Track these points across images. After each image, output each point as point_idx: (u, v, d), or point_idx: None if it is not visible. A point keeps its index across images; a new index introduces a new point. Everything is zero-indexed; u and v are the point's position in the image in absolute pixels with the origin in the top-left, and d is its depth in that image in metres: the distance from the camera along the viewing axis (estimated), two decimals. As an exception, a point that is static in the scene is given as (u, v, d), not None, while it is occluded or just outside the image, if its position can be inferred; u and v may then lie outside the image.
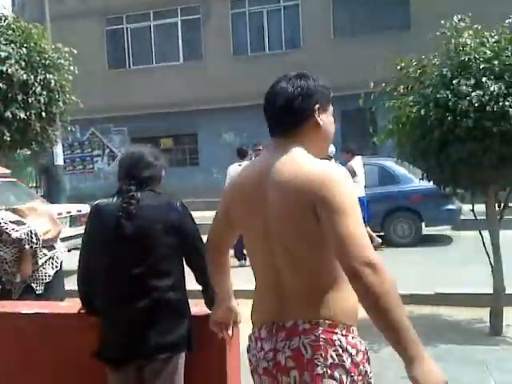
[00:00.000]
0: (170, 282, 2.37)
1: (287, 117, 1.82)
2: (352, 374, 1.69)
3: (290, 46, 17.49)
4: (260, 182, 1.78)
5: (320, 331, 1.69)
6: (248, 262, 1.97)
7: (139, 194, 2.37)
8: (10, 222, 3.58)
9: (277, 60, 17.02)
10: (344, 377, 1.68)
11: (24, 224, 3.61)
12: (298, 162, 1.74)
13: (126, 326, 2.35)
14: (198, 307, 2.59)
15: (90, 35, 18.18)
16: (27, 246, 3.53)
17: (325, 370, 1.67)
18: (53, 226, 3.87)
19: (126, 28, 18.96)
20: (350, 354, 1.70)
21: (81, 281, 2.53)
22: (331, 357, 1.68)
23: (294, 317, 1.74)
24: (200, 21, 18.12)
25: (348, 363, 1.69)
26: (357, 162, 9.49)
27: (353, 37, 16.57)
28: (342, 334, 1.71)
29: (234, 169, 8.86)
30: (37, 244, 3.58)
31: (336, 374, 1.68)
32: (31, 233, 3.56)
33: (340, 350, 1.68)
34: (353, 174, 9.33)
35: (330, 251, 1.65)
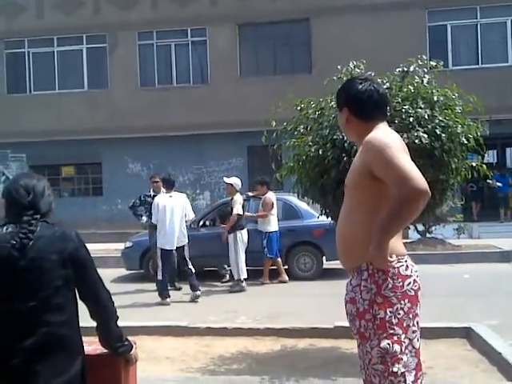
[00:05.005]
0: (63, 316, 2.28)
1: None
2: None
3: (198, 81, 17.73)
4: None
5: None
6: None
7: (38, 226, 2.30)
8: None
9: (184, 93, 17.20)
10: None
11: None
12: None
13: (14, 366, 2.21)
14: (92, 346, 2.51)
15: (-12, 57, 17.43)
16: None
17: None
18: None
19: (28, 52, 18.34)
20: None
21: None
22: None
23: None
24: (106, 50, 17.94)
25: None
26: (272, 195, 9.67)
27: (258, 76, 17.12)
28: None
29: (163, 198, 8.53)
30: None
31: None
32: None
33: None
34: (271, 206, 9.50)
35: None
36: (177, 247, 8.41)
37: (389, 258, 2.34)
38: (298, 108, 5.43)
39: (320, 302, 7.58)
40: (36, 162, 17.52)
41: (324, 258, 9.98)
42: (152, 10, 17.46)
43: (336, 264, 10.52)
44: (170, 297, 8.31)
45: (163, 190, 9.11)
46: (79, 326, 2.38)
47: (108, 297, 2.42)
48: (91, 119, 17.13)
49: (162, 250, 8.36)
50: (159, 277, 8.33)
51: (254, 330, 6.37)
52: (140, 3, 17.49)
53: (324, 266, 10.09)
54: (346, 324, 5.04)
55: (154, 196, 9.11)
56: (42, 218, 2.35)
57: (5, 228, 2.30)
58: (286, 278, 9.60)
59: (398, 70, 5.40)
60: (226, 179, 9.55)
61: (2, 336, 2.23)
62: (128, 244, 10.50)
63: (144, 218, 9.34)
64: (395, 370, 2.33)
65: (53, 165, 17.97)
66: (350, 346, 5.44)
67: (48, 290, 2.25)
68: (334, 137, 4.81)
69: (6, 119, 17.33)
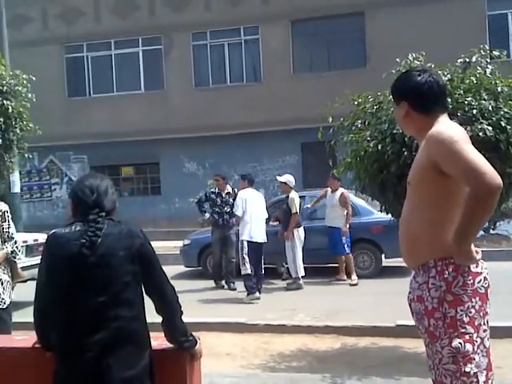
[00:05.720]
0: (133, 311, 2.34)
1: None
2: None
3: (251, 79, 17.79)
4: None
5: None
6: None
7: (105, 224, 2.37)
8: None
9: (238, 92, 17.30)
10: None
11: None
12: None
13: (86, 360, 2.27)
14: (157, 341, 2.55)
15: (49, 62, 18.08)
16: None
17: None
18: None
19: (87, 56, 18.92)
20: None
21: (37, 313, 2.45)
22: None
23: None
24: (162, 51, 18.27)
25: None
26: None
27: (311, 73, 17.01)
28: None
29: (249, 193, 8.48)
30: None
31: None
32: None
33: None
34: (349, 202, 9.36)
35: None
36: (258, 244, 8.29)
37: (475, 255, 2.27)
38: (356, 103, 5.36)
39: (380, 300, 7.45)
40: (97, 163, 18.07)
41: (383, 255, 9.80)
42: (205, 10, 17.65)
43: (395, 262, 10.30)
44: (259, 291, 8.23)
45: (224, 187, 9.33)
46: (146, 320, 2.43)
47: (173, 292, 2.46)
48: (148, 120, 17.50)
49: (249, 242, 8.19)
50: (247, 271, 8.12)
51: (314, 327, 6.33)
52: (193, 4, 17.72)
53: (383, 264, 9.91)
54: (408, 323, 4.92)
55: (218, 193, 9.35)
56: (107, 215, 2.42)
57: (73, 227, 2.38)
58: (345, 277, 9.48)
59: (459, 61, 5.23)
60: (278, 178, 9.46)
61: (74, 330, 2.31)
62: (186, 241, 10.65)
63: (207, 215, 9.53)
64: (468, 370, 2.27)
65: (113, 165, 18.47)
66: (413, 345, 5.33)
67: (118, 285, 2.31)
68: (394, 131, 4.71)
69: (68, 122, 17.96)
